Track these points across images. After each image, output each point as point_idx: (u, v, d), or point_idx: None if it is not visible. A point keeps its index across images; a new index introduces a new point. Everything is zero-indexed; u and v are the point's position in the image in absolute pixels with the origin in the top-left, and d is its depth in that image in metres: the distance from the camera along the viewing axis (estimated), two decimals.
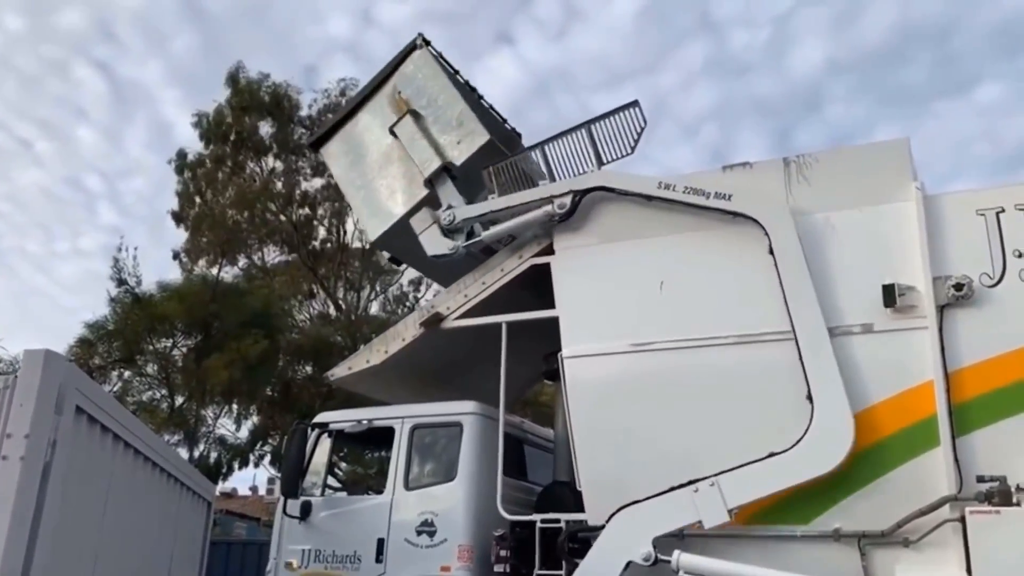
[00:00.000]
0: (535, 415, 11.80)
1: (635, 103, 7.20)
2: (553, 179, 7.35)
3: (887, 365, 5.79)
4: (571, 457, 6.65)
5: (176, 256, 23.75)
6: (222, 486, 24.98)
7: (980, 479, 5.31)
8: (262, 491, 34.24)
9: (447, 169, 7.65)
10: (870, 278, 5.90)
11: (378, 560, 7.06)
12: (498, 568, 6.60)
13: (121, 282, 20.42)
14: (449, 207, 7.55)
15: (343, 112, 8.77)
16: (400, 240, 7.92)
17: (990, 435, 5.46)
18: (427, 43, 8.26)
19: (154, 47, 52.41)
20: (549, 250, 7.21)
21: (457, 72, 8.47)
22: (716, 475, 5.82)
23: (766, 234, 6.19)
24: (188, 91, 56.82)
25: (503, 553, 6.62)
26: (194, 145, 24.23)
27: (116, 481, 6.46)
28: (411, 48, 8.24)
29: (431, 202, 7.74)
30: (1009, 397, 5.48)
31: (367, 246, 8.22)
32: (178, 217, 23.93)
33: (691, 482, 5.88)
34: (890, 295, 5.78)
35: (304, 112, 24.26)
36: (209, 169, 23.86)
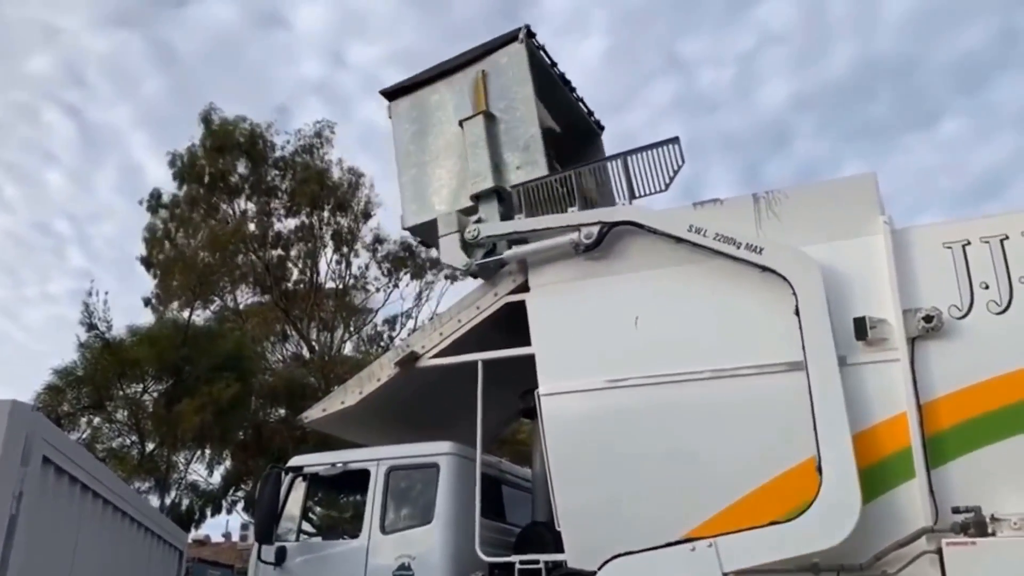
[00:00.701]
0: (513, 454, 11.73)
1: (675, 140, 7.01)
2: (584, 206, 7.16)
3: (861, 398, 5.80)
4: (549, 496, 6.60)
5: (147, 303, 23.55)
6: (194, 533, 24.53)
7: (955, 510, 5.33)
8: (235, 537, 33.59)
9: (497, 191, 7.56)
10: (841, 312, 5.95)
11: None
12: None
13: (91, 327, 20.20)
14: (478, 219, 7.45)
15: (424, 75, 8.41)
16: (433, 229, 7.78)
17: (964, 466, 5.49)
18: (531, 36, 7.90)
19: (124, 90, 52.40)
20: (525, 287, 7.22)
21: (554, 64, 8.30)
22: (715, 536, 5.70)
23: (793, 293, 5.97)
24: (158, 134, 56.87)
25: None
26: (166, 187, 24.19)
27: (84, 532, 6.32)
28: (511, 38, 7.89)
29: (470, 210, 7.66)
30: (981, 427, 5.51)
31: (401, 227, 8.00)
32: (147, 263, 23.74)
33: (688, 540, 5.78)
34: (861, 328, 5.82)
35: (278, 153, 24.32)
36: (182, 210, 23.76)
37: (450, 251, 7.46)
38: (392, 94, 8.58)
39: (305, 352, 25.03)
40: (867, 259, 6.02)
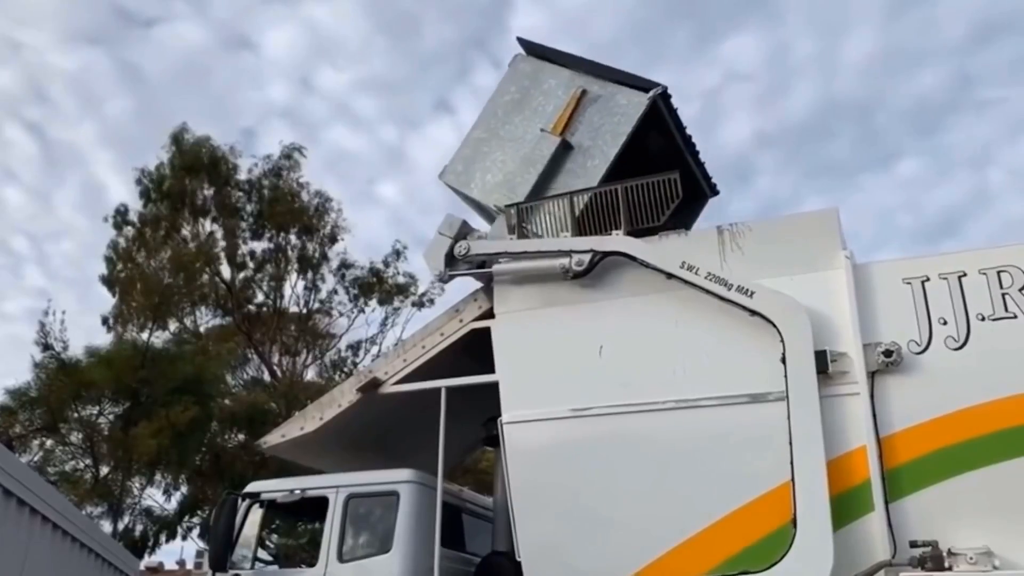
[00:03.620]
0: (475, 483, 11.64)
1: (676, 174, 6.97)
2: (577, 232, 7.07)
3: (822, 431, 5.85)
4: (510, 526, 6.54)
5: (105, 321, 23.08)
6: (148, 560, 23.96)
7: (913, 544, 5.36)
8: (190, 565, 32.86)
9: (521, 217, 7.41)
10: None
11: None
12: None
13: (47, 347, 19.82)
14: (477, 236, 7.39)
15: (560, 55, 8.24)
16: (460, 194, 7.79)
17: (922, 500, 5.54)
18: (665, 98, 7.69)
19: (88, 109, 51.79)
20: (489, 314, 7.20)
21: (683, 128, 8.06)
22: None
23: (781, 340, 5.94)
24: (121, 154, 56.09)
25: None
26: (131, 205, 23.83)
27: (32, 557, 6.15)
28: (643, 87, 7.64)
29: (484, 212, 7.64)
30: (939, 462, 5.57)
31: (439, 175, 7.91)
32: (108, 281, 23.32)
33: None
34: (822, 362, 5.86)
35: (244, 176, 24.11)
36: (146, 230, 23.41)
37: (435, 253, 7.43)
38: (527, 48, 8.43)
39: (266, 376, 24.73)
40: (828, 293, 6.09)
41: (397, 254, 25.12)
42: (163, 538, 21.57)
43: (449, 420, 7.01)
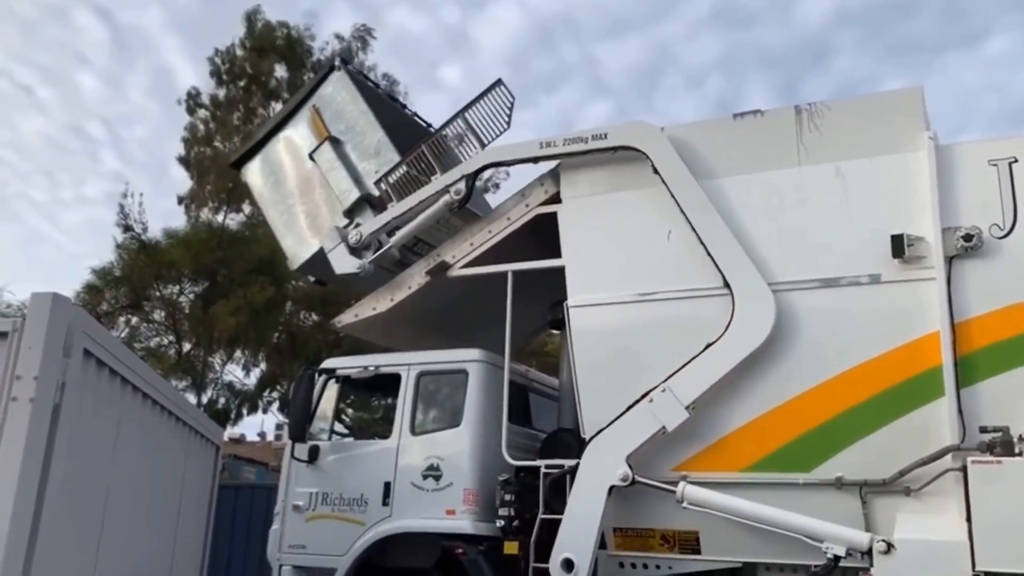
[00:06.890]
0: (541, 365, 11.86)
1: (499, 82, 7.46)
2: (444, 171, 7.41)
3: (894, 315, 5.78)
4: (575, 405, 6.71)
5: (181, 201, 23.52)
6: (231, 431, 25.28)
7: (983, 429, 5.33)
8: (270, 437, 34.65)
9: (367, 199, 7.78)
10: (879, 228, 5.85)
11: (384, 503, 7.17)
12: (502, 512, 6.70)
13: (127, 228, 20.40)
14: (356, 224, 7.68)
15: (263, 132, 8.89)
16: (324, 264, 7.90)
17: (994, 386, 5.47)
18: (345, 63, 8.66)
19: None
20: (556, 199, 7.18)
21: (378, 87, 8.82)
22: (664, 381, 6.10)
23: (647, 157, 6.48)
24: (188, 38, 56.29)
25: (507, 497, 6.71)
26: (202, 88, 23.88)
27: (125, 423, 6.53)
28: (329, 70, 8.52)
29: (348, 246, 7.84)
30: (1014, 349, 5.48)
31: (291, 270, 8.89)
32: (185, 162, 23.61)
33: (644, 395, 6.15)
34: (899, 245, 5.74)
35: (315, 57, 23.85)
36: (221, 112, 23.50)
37: (341, 261, 7.64)
38: (239, 163, 9.00)
39: None
40: (909, 175, 5.90)
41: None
42: (245, 411, 22.60)
43: (515, 303, 7.11)
